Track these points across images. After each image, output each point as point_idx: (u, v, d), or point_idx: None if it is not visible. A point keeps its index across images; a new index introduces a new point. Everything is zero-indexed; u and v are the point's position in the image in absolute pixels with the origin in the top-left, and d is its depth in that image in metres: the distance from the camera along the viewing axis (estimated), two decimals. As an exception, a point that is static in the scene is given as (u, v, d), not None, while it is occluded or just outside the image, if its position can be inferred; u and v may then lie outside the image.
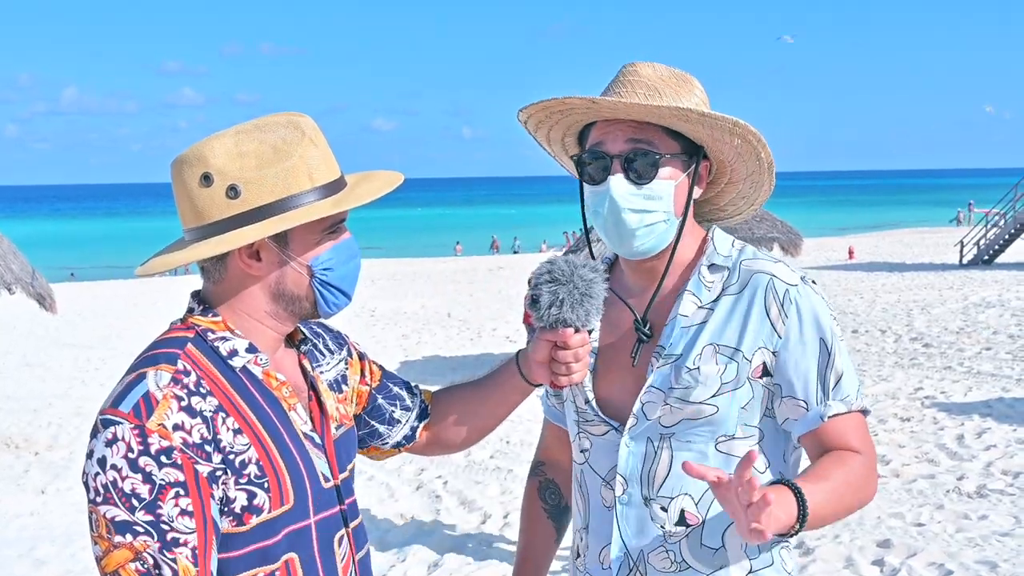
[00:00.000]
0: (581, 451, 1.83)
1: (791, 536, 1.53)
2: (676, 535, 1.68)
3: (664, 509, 1.69)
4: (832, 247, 33.49)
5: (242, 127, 1.49)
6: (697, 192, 1.75)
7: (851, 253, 28.81)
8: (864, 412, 1.69)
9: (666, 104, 1.64)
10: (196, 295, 1.55)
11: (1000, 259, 25.52)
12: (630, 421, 1.71)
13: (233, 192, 1.45)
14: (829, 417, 1.65)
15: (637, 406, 1.70)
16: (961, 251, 25.90)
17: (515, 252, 41.59)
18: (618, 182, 1.67)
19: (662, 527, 1.69)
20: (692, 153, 1.72)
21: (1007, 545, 5.43)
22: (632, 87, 1.69)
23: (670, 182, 1.69)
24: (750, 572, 1.70)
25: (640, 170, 1.67)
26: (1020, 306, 15.84)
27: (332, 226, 1.52)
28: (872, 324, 14.44)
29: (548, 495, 2.00)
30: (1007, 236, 25.15)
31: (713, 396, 1.66)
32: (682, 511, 1.68)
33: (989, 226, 26.34)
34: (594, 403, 1.77)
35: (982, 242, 26.05)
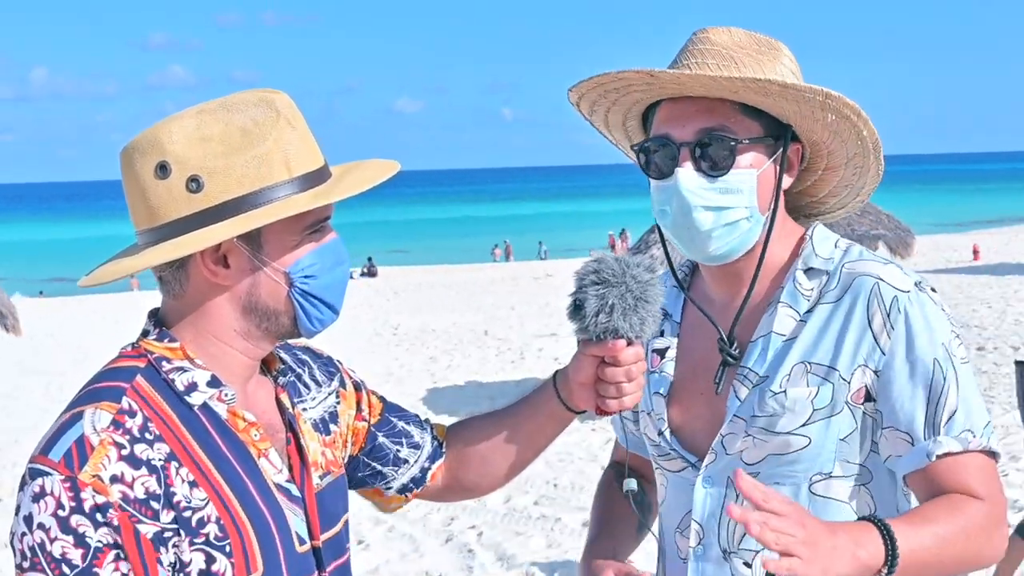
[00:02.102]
0: (658, 490, 1.83)
1: None
2: None
3: (748, 564, 1.67)
4: (951, 246, 33.04)
5: (205, 106, 1.47)
6: (787, 182, 1.72)
7: (976, 253, 28.36)
8: (990, 453, 1.63)
9: (740, 75, 1.61)
10: (153, 314, 1.54)
11: None
12: (708, 457, 1.70)
13: (195, 184, 1.43)
14: (938, 456, 1.59)
15: (716, 439, 1.69)
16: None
17: (541, 259, 41.53)
18: (687, 175, 1.65)
19: None
20: (778, 135, 1.69)
21: None
22: (702, 57, 1.67)
23: (751, 171, 1.67)
24: None
25: (714, 159, 1.65)
26: None
27: (314, 224, 1.50)
28: (1002, 340, 14.18)
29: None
30: None
31: (803, 425, 1.63)
32: None
33: None
34: (667, 434, 1.76)
35: None
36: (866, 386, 1.63)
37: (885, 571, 1.46)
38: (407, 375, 14.07)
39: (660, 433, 1.77)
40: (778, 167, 1.70)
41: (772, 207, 1.71)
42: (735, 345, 1.71)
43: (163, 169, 1.43)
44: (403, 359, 15.65)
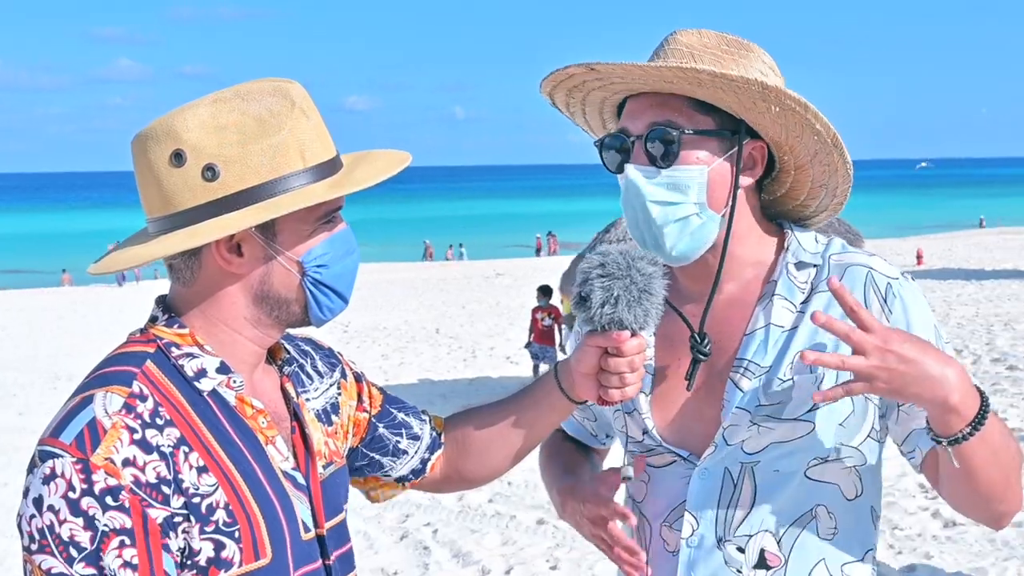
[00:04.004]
0: (636, 489, 1.83)
1: (957, 441, 1.52)
2: None
3: (741, 550, 1.70)
4: (896, 250, 33.47)
5: (220, 95, 1.47)
6: (748, 180, 1.75)
7: (919, 258, 28.83)
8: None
9: (668, 65, 1.63)
10: (161, 301, 1.54)
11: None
12: (708, 449, 1.72)
13: (211, 173, 1.43)
14: None
15: (719, 432, 1.71)
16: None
17: (459, 259, 41.53)
18: (633, 169, 1.69)
19: (738, 571, 1.70)
20: (734, 131, 1.71)
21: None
22: (666, 56, 1.70)
23: (699, 167, 1.69)
24: None
25: (659, 152, 1.68)
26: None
27: (327, 215, 1.51)
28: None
29: (574, 442, 2.04)
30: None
31: (809, 411, 1.67)
32: (762, 551, 1.70)
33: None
34: (655, 432, 1.78)
35: (1077, 245, 26.17)
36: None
37: (969, 428, 1.51)
38: (359, 373, 14.01)
39: (645, 432, 1.78)
40: (734, 163, 1.71)
41: (731, 205, 1.72)
42: (706, 341, 1.74)
43: (178, 157, 1.43)
44: (354, 357, 15.54)
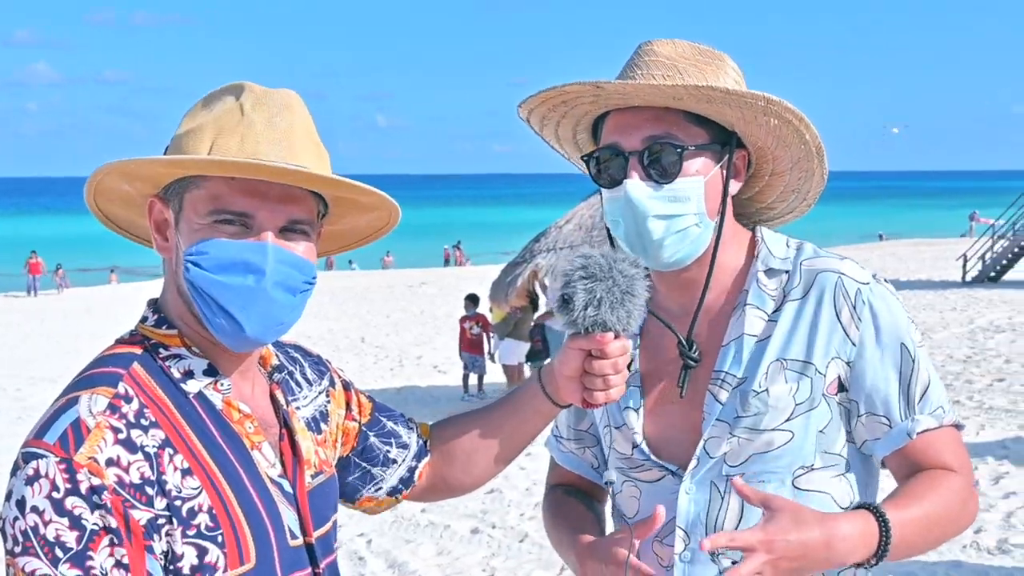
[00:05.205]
0: (626, 505, 1.83)
1: (870, 567, 1.57)
2: None
3: (735, 563, 1.68)
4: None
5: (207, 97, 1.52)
6: (735, 187, 1.77)
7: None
8: (957, 427, 1.73)
9: (684, 83, 1.64)
10: (153, 303, 1.54)
11: (1008, 276, 26.24)
12: (691, 464, 1.73)
13: (172, 142, 1.48)
14: (918, 433, 1.68)
15: (699, 445, 1.71)
16: (964, 267, 26.67)
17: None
18: (635, 184, 1.69)
19: None
20: (724, 142, 1.74)
21: (1036, 608, 5.57)
22: (648, 68, 1.71)
23: (698, 178, 1.70)
24: None
25: (661, 167, 1.69)
26: (1034, 330, 16.33)
27: (236, 215, 1.42)
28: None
29: (581, 497, 1.98)
30: (1016, 250, 25.95)
31: (787, 420, 1.68)
32: None
33: (996, 238, 27.14)
34: (644, 446, 1.77)
35: (988, 256, 26.90)
36: (839, 376, 1.69)
37: (875, 560, 1.55)
38: (285, 382, 13.85)
39: (635, 446, 1.78)
40: (725, 172, 1.73)
41: (722, 212, 1.75)
42: (695, 348, 1.75)
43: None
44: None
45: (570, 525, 1.90)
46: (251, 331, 1.42)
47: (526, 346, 13.12)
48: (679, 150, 1.68)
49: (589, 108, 1.76)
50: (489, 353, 13.50)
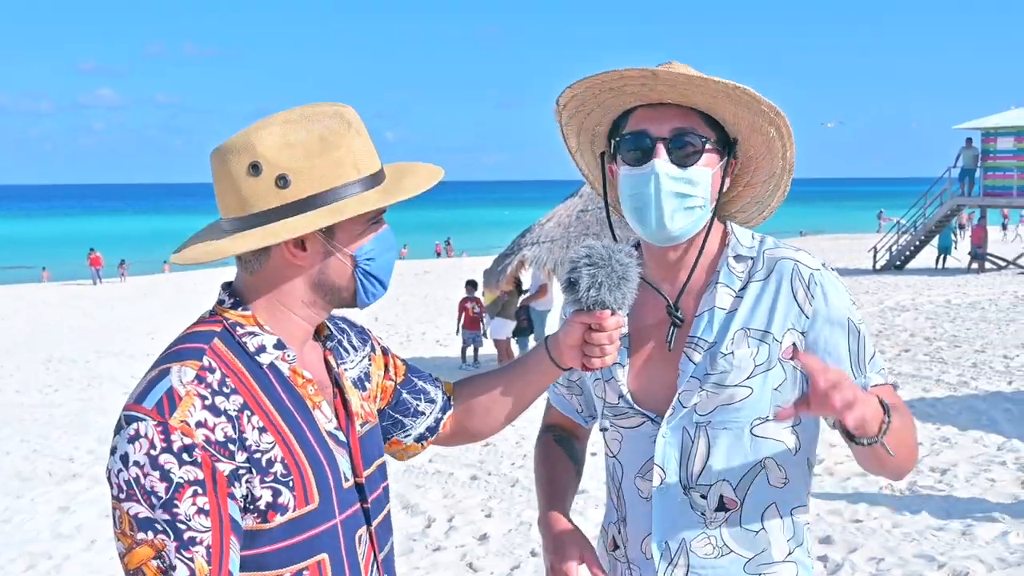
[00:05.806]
0: (611, 445, 1.86)
1: (870, 443, 1.54)
2: (716, 520, 1.73)
3: (703, 496, 1.73)
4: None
5: (288, 116, 1.48)
6: (725, 185, 1.77)
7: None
8: (895, 387, 1.75)
9: (724, 80, 1.64)
10: (227, 287, 1.55)
11: (911, 264, 26.51)
12: (668, 412, 1.74)
13: (283, 182, 1.44)
14: (872, 387, 1.69)
15: (675, 397, 1.74)
16: (875, 257, 26.82)
17: None
18: (663, 164, 1.69)
19: (702, 514, 1.73)
20: (726, 145, 1.75)
21: (941, 539, 5.63)
22: (678, 71, 1.69)
23: (708, 169, 1.72)
24: (788, 553, 1.75)
25: (685, 153, 1.69)
26: (932, 309, 16.47)
27: (375, 217, 1.54)
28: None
29: (565, 445, 2.01)
30: (918, 242, 26.15)
31: (747, 378, 1.70)
32: (721, 496, 1.72)
33: (901, 233, 27.36)
34: (628, 396, 1.80)
35: (894, 248, 27.07)
36: (794, 344, 1.71)
37: (880, 433, 1.53)
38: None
39: (621, 396, 1.81)
40: (723, 172, 1.75)
41: (716, 201, 1.76)
42: (679, 310, 1.77)
43: (255, 168, 1.44)
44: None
45: (548, 481, 1.94)
46: (388, 288, 1.58)
47: (512, 324, 13.10)
48: (702, 141, 1.70)
49: (626, 100, 1.74)
50: (483, 330, 13.47)
